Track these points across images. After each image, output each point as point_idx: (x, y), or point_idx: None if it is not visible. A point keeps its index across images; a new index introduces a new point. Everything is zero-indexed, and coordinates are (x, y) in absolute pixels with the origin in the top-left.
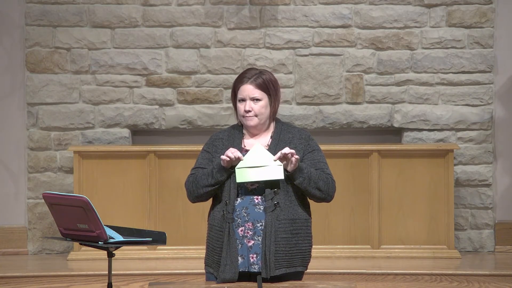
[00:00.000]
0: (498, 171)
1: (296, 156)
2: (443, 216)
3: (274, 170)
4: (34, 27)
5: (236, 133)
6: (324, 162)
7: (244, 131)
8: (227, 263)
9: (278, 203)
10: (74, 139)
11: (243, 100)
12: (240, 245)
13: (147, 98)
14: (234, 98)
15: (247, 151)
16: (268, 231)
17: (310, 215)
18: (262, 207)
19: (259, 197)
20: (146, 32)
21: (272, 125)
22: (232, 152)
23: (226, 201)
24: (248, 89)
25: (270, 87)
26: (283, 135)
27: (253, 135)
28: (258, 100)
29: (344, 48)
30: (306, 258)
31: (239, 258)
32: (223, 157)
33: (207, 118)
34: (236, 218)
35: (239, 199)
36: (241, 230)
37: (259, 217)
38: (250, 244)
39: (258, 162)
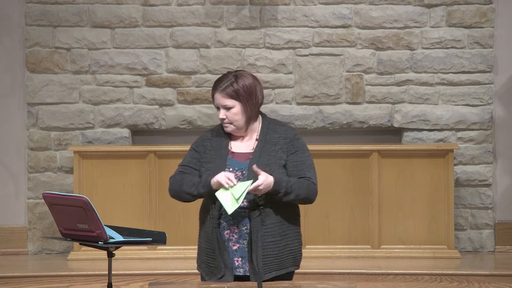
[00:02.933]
0: (498, 171)
1: (259, 192)
2: (443, 216)
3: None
4: (34, 27)
5: (224, 134)
6: (308, 164)
7: (231, 134)
8: (221, 266)
9: (263, 208)
10: (74, 139)
11: (218, 108)
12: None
13: (147, 98)
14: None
15: (233, 153)
16: (254, 236)
17: (298, 213)
18: (247, 211)
19: (244, 200)
20: (146, 32)
21: (258, 125)
22: (227, 182)
23: (212, 206)
24: (219, 98)
25: (240, 94)
26: (269, 135)
27: (238, 137)
28: (230, 108)
29: (344, 48)
30: (297, 257)
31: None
32: (220, 180)
33: (207, 118)
34: (222, 221)
35: None
36: (227, 233)
37: (244, 220)
38: (235, 247)
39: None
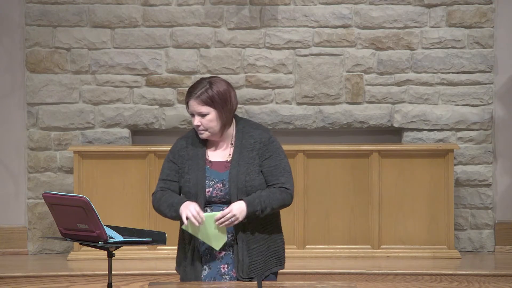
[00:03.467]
0: (498, 171)
1: (236, 219)
2: (443, 216)
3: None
4: (34, 27)
5: (199, 142)
6: (282, 167)
7: (207, 141)
8: (192, 278)
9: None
10: (74, 139)
11: (192, 114)
12: (208, 255)
13: (147, 98)
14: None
15: (211, 162)
16: (240, 246)
17: (278, 214)
18: None
19: (228, 204)
20: (146, 32)
21: (232, 129)
22: (195, 216)
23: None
24: (194, 105)
25: (215, 101)
26: (245, 140)
27: (213, 144)
28: (205, 115)
29: (344, 48)
30: (281, 257)
31: (206, 268)
32: (186, 216)
33: None
34: None
35: (208, 209)
36: None
37: (228, 228)
38: (220, 255)
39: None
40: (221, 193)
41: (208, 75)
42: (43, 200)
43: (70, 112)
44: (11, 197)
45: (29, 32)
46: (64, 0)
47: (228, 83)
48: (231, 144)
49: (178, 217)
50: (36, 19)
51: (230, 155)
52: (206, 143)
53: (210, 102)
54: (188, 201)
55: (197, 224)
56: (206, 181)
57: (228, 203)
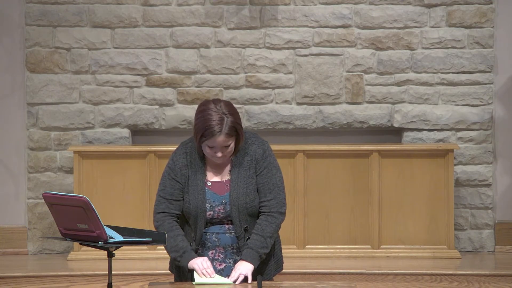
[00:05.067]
0: (498, 171)
1: (244, 277)
2: (443, 216)
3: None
4: (34, 27)
5: (198, 162)
6: (272, 183)
7: (205, 159)
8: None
9: (247, 226)
10: (74, 139)
11: (214, 147)
12: None
13: (147, 98)
14: (200, 138)
15: (210, 184)
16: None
17: None
18: (233, 232)
19: (229, 222)
20: (146, 32)
21: None
22: (206, 269)
23: (193, 235)
24: (222, 141)
25: (238, 128)
26: (242, 157)
27: (212, 162)
28: (229, 145)
29: (344, 48)
30: (279, 261)
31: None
32: (196, 270)
33: None
34: (206, 242)
35: (209, 224)
36: (211, 253)
37: (231, 241)
38: (221, 267)
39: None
40: (222, 215)
41: (208, 75)
42: (43, 200)
43: (70, 112)
44: (11, 197)
45: (29, 32)
46: (64, 0)
47: (234, 106)
48: (231, 161)
49: (177, 262)
50: (36, 19)
51: (229, 172)
52: (205, 161)
53: (235, 132)
54: (197, 258)
55: (207, 277)
56: (207, 205)
57: (230, 222)
